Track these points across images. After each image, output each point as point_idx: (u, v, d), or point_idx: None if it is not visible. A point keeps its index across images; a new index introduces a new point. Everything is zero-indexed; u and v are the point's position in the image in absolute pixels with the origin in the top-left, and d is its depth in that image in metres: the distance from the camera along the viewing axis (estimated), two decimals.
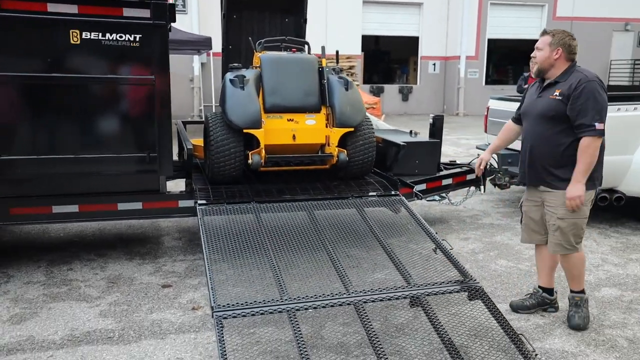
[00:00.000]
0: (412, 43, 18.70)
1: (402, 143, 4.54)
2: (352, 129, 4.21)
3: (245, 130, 3.95)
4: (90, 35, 3.53)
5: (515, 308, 3.34)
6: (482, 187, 5.29)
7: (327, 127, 4.23)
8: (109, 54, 3.61)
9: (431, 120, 5.23)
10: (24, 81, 3.53)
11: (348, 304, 2.81)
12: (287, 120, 4.14)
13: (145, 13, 3.60)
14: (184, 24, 13.77)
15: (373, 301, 2.85)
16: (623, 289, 3.77)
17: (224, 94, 4.02)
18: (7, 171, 3.59)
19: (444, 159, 5.36)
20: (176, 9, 3.79)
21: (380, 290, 2.91)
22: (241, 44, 5.35)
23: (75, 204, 3.84)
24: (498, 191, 6.31)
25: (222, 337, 2.51)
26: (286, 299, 2.76)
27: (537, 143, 3.11)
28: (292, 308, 2.70)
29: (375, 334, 2.61)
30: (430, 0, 18.03)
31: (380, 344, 2.56)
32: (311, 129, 4.16)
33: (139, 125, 3.80)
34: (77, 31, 3.51)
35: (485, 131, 6.25)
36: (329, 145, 4.21)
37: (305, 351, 2.46)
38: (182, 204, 4.06)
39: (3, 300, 3.45)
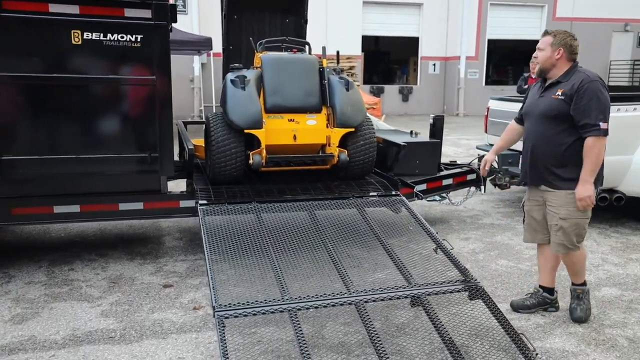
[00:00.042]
0: (412, 43, 18.72)
1: (402, 143, 4.55)
2: (352, 129, 4.22)
3: (246, 131, 3.96)
4: (92, 35, 3.54)
5: (516, 307, 3.34)
6: (482, 187, 5.30)
7: (327, 127, 4.23)
8: (110, 55, 3.61)
9: (431, 121, 5.24)
10: (26, 81, 3.53)
11: (349, 303, 2.82)
12: (288, 120, 4.15)
13: (147, 13, 3.61)
14: (184, 24, 13.78)
15: (374, 301, 2.86)
16: (623, 288, 3.77)
17: (225, 94, 4.03)
18: (9, 171, 3.59)
19: (444, 160, 5.37)
20: (177, 9, 3.80)
21: (381, 290, 2.92)
22: (242, 45, 5.36)
23: (77, 204, 3.85)
24: (498, 191, 6.31)
25: (224, 336, 2.51)
26: (287, 299, 2.77)
27: (538, 142, 3.13)
28: (294, 308, 2.70)
29: (376, 334, 2.62)
30: (430, 1, 18.05)
31: (381, 344, 2.57)
32: (312, 129, 4.17)
33: (140, 125, 3.81)
34: (79, 31, 3.51)
35: (486, 131, 6.26)
36: (329, 145, 4.21)
37: (307, 351, 2.46)
38: (183, 204, 4.07)
39: (5, 300, 3.46)
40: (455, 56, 18.12)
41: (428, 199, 5.11)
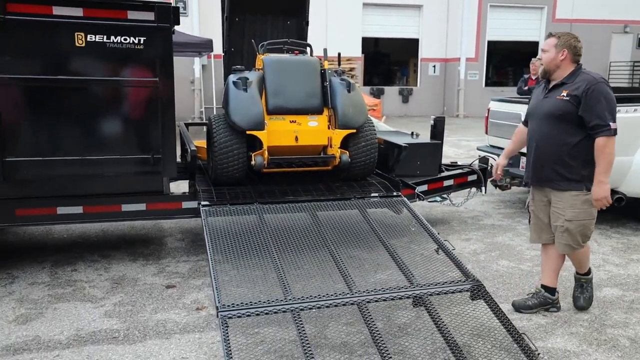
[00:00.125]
0: (412, 45, 18.74)
1: (404, 144, 4.57)
2: (354, 131, 4.23)
3: (248, 132, 3.98)
4: (95, 37, 3.56)
5: (518, 308, 3.36)
6: (483, 188, 5.32)
7: (329, 128, 4.25)
8: (113, 57, 3.64)
9: (432, 122, 5.26)
10: (30, 83, 3.55)
11: (352, 303, 2.83)
12: (290, 121, 4.16)
13: (150, 16, 3.63)
14: (185, 26, 13.81)
15: (376, 301, 2.87)
16: (624, 289, 3.79)
17: (227, 96, 4.05)
18: (13, 173, 3.61)
19: (444, 161, 5.39)
20: (179, 11, 3.82)
21: (384, 290, 2.93)
22: (243, 46, 5.38)
23: (80, 205, 3.87)
24: (499, 192, 6.33)
25: (227, 336, 2.53)
26: (290, 299, 2.78)
27: (542, 142, 3.16)
28: (296, 308, 2.72)
29: (378, 334, 2.63)
30: (430, 2, 18.08)
31: (384, 344, 2.58)
32: (313, 131, 4.19)
33: (143, 127, 3.83)
34: (82, 34, 3.53)
35: (486, 133, 6.28)
36: (331, 146, 4.23)
37: (310, 351, 2.48)
38: (186, 205, 4.08)
39: (9, 301, 3.48)
40: (455, 58, 18.15)
41: (429, 199, 5.12)
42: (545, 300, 3.36)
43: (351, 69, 15.61)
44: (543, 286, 3.38)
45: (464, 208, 5.87)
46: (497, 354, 2.80)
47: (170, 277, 3.91)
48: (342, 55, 5.49)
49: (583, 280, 3.42)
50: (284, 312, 2.72)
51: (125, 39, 3.60)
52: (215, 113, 5.09)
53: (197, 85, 15.74)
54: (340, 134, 4.19)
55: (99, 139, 3.77)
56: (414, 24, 18.39)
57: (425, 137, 5.43)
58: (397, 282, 3.24)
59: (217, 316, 2.62)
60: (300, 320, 2.65)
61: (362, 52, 18.02)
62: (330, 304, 2.81)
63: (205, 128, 5.07)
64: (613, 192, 4.89)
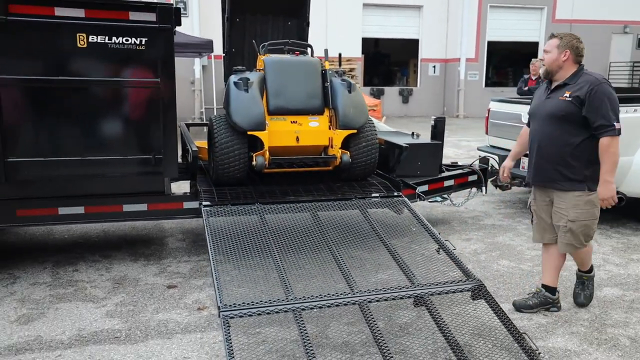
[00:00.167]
0: (412, 45, 18.76)
1: (404, 145, 4.58)
2: (355, 131, 4.24)
3: (249, 132, 3.98)
4: (97, 38, 3.57)
5: (518, 307, 3.37)
6: (483, 188, 5.33)
7: (330, 129, 4.26)
8: (115, 57, 3.65)
9: (433, 122, 5.27)
10: (32, 84, 3.56)
11: (353, 303, 2.84)
12: (291, 122, 4.17)
13: (151, 17, 3.64)
14: (185, 26, 13.81)
15: (377, 301, 2.88)
16: (625, 288, 3.80)
17: (228, 96, 4.06)
18: (14, 174, 3.62)
19: (444, 161, 5.40)
20: (181, 12, 3.83)
21: (385, 290, 2.94)
22: (244, 47, 5.39)
23: (81, 205, 3.88)
24: (499, 192, 6.34)
25: (229, 336, 2.53)
26: (292, 299, 2.79)
27: (545, 143, 3.17)
28: (298, 308, 2.73)
29: (380, 333, 2.64)
30: (430, 3, 18.10)
31: (385, 343, 2.59)
32: (314, 131, 4.20)
33: (144, 127, 3.84)
34: (84, 35, 3.54)
35: (487, 133, 6.29)
36: (332, 147, 4.24)
37: (312, 350, 2.49)
38: (187, 205, 4.09)
39: (10, 301, 3.48)
40: (455, 58, 18.17)
41: (429, 200, 5.13)
42: (545, 300, 3.37)
43: (351, 70, 15.62)
44: (544, 286, 3.39)
45: (465, 208, 5.88)
46: (498, 353, 2.81)
47: (172, 277, 3.92)
48: (342, 55, 5.50)
49: (585, 278, 3.46)
50: (285, 311, 2.73)
51: (127, 40, 3.61)
52: (215, 113, 5.08)
53: (197, 85, 15.76)
54: (341, 134, 4.20)
55: (100, 139, 3.78)
56: (414, 24, 18.41)
57: (425, 137, 5.44)
58: (398, 282, 3.25)
59: (219, 316, 2.63)
60: (302, 320, 2.65)
61: (362, 53, 18.03)
62: (332, 304, 2.81)
63: (205, 128, 5.08)
64: None
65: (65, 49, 3.56)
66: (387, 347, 2.57)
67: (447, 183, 5.06)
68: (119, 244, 4.67)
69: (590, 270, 3.46)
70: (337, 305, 2.84)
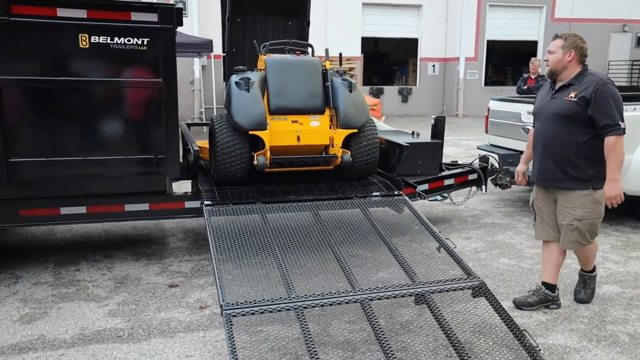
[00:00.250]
0: (411, 45, 18.78)
1: (405, 144, 4.59)
2: (355, 130, 4.26)
3: (250, 132, 4.00)
4: (99, 39, 3.59)
5: (519, 305, 3.39)
6: (483, 187, 5.35)
7: (331, 128, 4.28)
8: (117, 58, 3.66)
9: (433, 121, 5.29)
10: (34, 85, 3.58)
11: (355, 301, 2.86)
12: (292, 121, 4.19)
13: (153, 17, 3.65)
14: (185, 26, 13.79)
15: (379, 299, 2.90)
16: (624, 286, 3.82)
17: (230, 96, 4.07)
18: (17, 174, 3.63)
19: (444, 160, 5.42)
20: (182, 12, 3.85)
21: (386, 288, 2.96)
22: (244, 47, 5.40)
23: (83, 205, 3.89)
24: (499, 191, 6.36)
25: (232, 334, 2.55)
26: (294, 297, 2.80)
27: (550, 142, 3.21)
28: (300, 306, 2.74)
29: (381, 331, 2.66)
30: (430, 2, 18.12)
31: (386, 341, 2.61)
32: (315, 131, 4.21)
33: (146, 127, 3.85)
34: (86, 35, 3.56)
35: (486, 132, 6.31)
36: (333, 146, 4.26)
37: (314, 348, 2.50)
38: (189, 204, 4.11)
39: (13, 301, 3.50)
40: (455, 57, 18.19)
41: (429, 198, 5.15)
42: (545, 298, 3.39)
43: (350, 69, 15.63)
44: (544, 283, 3.42)
45: (465, 207, 5.90)
46: (499, 350, 2.84)
47: (173, 277, 3.94)
48: (341, 55, 5.51)
49: (587, 277, 3.50)
50: (287, 310, 2.75)
51: (128, 40, 3.63)
52: (215, 113, 5.09)
53: (196, 85, 15.77)
54: (342, 133, 4.22)
55: (102, 139, 3.80)
56: (413, 23, 18.43)
57: (425, 136, 5.46)
58: (399, 280, 3.27)
59: (222, 314, 2.65)
60: (304, 318, 2.67)
61: (362, 52, 18.05)
62: (334, 302, 2.83)
63: (205, 128, 5.10)
64: None
65: (67, 49, 3.58)
66: (388, 344, 2.59)
67: (447, 182, 5.08)
68: (120, 243, 4.69)
69: (593, 270, 3.51)
70: (338, 304, 2.86)
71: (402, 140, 4.85)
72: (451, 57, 18.40)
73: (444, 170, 5.23)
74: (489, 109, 6.24)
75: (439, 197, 5.28)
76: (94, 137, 3.76)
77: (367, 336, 2.98)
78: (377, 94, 18.25)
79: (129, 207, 3.97)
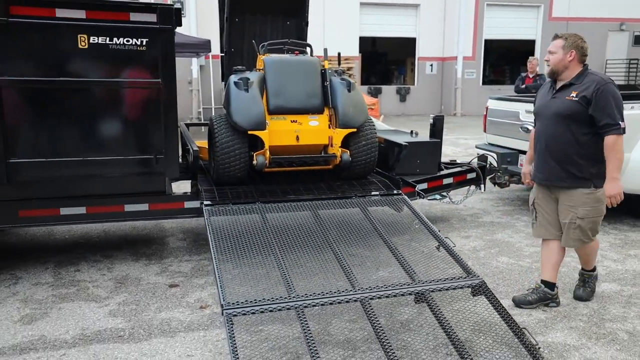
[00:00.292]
0: (409, 44, 18.80)
1: (404, 143, 4.61)
2: (354, 130, 4.27)
3: (249, 132, 4.01)
4: (98, 39, 3.59)
5: (518, 303, 3.41)
6: (482, 186, 5.36)
7: (330, 128, 4.29)
8: (116, 58, 3.67)
9: (431, 121, 5.31)
10: (33, 85, 3.58)
11: (355, 300, 2.87)
12: (291, 121, 4.20)
13: (152, 17, 3.66)
14: (182, 26, 13.79)
15: (379, 297, 2.91)
16: (622, 283, 3.84)
17: (229, 96, 4.08)
18: (16, 174, 3.63)
19: (443, 159, 5.43)
20: (181, 13, 3.85)
21: (386, 287, 2.97)
22: (243, 47, 5.41)
23: (83, 205, 3.89)
24: (498, 190, 6.38)
25: (233, 334, 2.56)
26: (294, 297, 2.81)
27: (551, 142, 3.23)
28: (300, 305, 2.75)
29: (382, 330, 2.67)
30: (427, 2, 18.14)
31: (387, 340, 2.62)
32: (314, 130, 4.22)
33: (146, 128, 3.86)
34: (85, 36, 3.56)
35: (485, 131, 6.32)
36: (332, 145, 4.27)
37: (315, 347, 2.51)
38: (188, 205, 4.11)
39: (13, 301, 3.50)
40: (452, 56, 18.22)
41: (428, 197, 5.17)
42: (545, 296, 3.40)
43: (349, 69, 15.66)
44: (543, 281, 3.43)
45: (463, 206, 5.92)
46: (499, 348, 2.85)
47: (173, 277, 3.94)
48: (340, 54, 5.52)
49: (586, 276, 3.54)
50: (288, 309, 2.75)
51: (127, 41, 3.63)
52: (214, 113, 5.08)
53: (194, 85, 15.76)
54: (341, 133, 4.23)
55: (101, 140, 3.80)
56: (411, 23, 18.45)
57: (424, 135, 5.48)
58: (399, 279, 3.28)
59: (222, 314, 2.65)
60: (305, 317, 2.68)
61: (360, 52, 18.07)
62: (334, 301, 2.84)
63: (203, 128, 5.10)
64: None
65: (66, 50, 3.58)
66: (388, 343, 2.60)
67: (446, 181, 5.09)
68: (119, 244, 4.69)
69: (594, 269, 3.54)
70: (339, 303, 2.86)
71: (401, 139, 4.86)
72: (449, 56, 18.42)
73: (442, 170, 5.24)
74: (487, 108, 6.25)
75: (437, 196, 5.29)
76: (94, 137, 3.77)
77: (367, 335, 2.99)
78: (375, 93, 18.27)
79: (128, 208, 3.98)
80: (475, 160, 5.51)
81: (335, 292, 2.89)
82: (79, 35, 3.56)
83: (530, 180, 3.54)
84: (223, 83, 5.17)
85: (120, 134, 3.84)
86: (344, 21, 17.35)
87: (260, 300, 2.76)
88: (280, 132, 4.13)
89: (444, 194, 5.29)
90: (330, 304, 2.84)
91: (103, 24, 3.59)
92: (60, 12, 3.49)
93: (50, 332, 3.10)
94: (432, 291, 2.99)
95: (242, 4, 5.21)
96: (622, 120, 3.08)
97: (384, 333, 2.66)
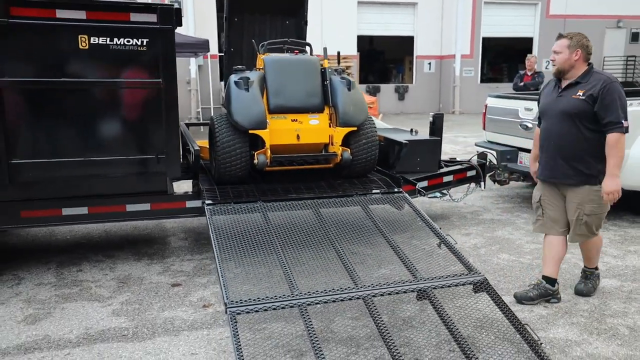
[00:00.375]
0: (407, 42, 18.81)
1: (404, 141, 4.62)
2: (355, 128, 4.28)
3: (250, 131, 4.02)
4: (99, 40, 3.59)
5: (519, 299, 3.43)
6: (482, 183, 5.38)
7: (330, 126, 4.30)
8: (116, 59, 3.67)
9: (431, 119, 5.32)
10: (34, 86, 3.59)
11: (357, 298, 2.88)
12: (291, 120, 4.21)
13: (152, 18, 3.66)
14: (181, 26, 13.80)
15: (382, 295, 2.92)
16: (623, 279, 3.86)
17: (229, 95, 4.09)
18: (18, 175, 3.64)
19: (442, 157, 5.45)
20: (181, 13, 3.86)
21: (388, 284, 2.98)
22: (243, 47, 5.41)
23: (85, 206, 3.90)
24: (497, 187, 6.40)
25: (237, 332, 2.57)
26: (297, 295, 2.83)
27: (558, 140, 3.26)
28: (303, 303, 2.77)
29: (384, 327, 2.69)
30: (425, 0, 18.15)
31: (390, 337, 2.63)
32: (315, 129, 4.23)
33: (147, 128, 3.87)
34: (86, 36, 3.57)
35: (484, 128, 6.34)
36: (332, 144, 4.28)
37: (318, 344, 2.53)
38: (190, 204, 4.12)
39: (16, 302, 3.51)
40: (450, 54, 18.23)
41: (429, 195, 5.18)
42: (546, 292, 3.42)
43: (347, 67, 15.66)
44: (544, 277, 3.45)
45: (464, 203, 5.94)
46: (501, 344, 2.87)
47: (176, 276, 3.96)
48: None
49: (588, 272, 3.59)
50: (291, 307, 2.77)
51: (128, 41, 3.64)
52: (214, 113, 5.11)
53: (193, 85, 15.75)
54: (341, 131, 4.24)
55: (103, 140, 3.81)
56: (409, 21, 18.46)
57: (423, 134, 5.49)
58: (401, 277, 3.29)
59: (226, 312, 2.67)
60: (308, 315, 2.69)
61: (358, 50, 18.07)
62: (337, 299, 2.85)
63: (203, 128, 5.10)
64: None
65: (67, 50, 3.59)
66: (391, 340, 2.61)
67: (446, 179, 5.11)
68: (121, 243, 4.70)
69: (596, 268, 3.59)
70: (341, 300, 2.88)
71: (401, 137, 4.88)
72: (447, 54, 18.44)
73: (442, 167, 5.26)
74: (486, 106, 6.27)
75: (438, 194, 5.31)
76: (95, 138, 3.77)
77: (370, 332, 3.01)
78: (373, 92, 18.27)
79: (130, 208, 3.99)
80: (475, 157, 5.53)
81: (337, 290, 2.90)
82: (79, 36, 3.56)
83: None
84: (222, 83, 5.18)
85: (121, 134, 3.85)
86: (342, 20, 17.35)
87: (263, 298, 2.77)
88: (281, 131, 4.14)
89: (444, 191, 5.31)
90: (333, 301, 2.86)
91: (103, 24, 3.59)
92: (61, 13, 3.50)
93: (54, 332, 3.11)
94: (434, 288, 3.00)
95: (241, 3, 5.21)
96: (626, 120, 3.11)
97: (386, 330, 2.67)
